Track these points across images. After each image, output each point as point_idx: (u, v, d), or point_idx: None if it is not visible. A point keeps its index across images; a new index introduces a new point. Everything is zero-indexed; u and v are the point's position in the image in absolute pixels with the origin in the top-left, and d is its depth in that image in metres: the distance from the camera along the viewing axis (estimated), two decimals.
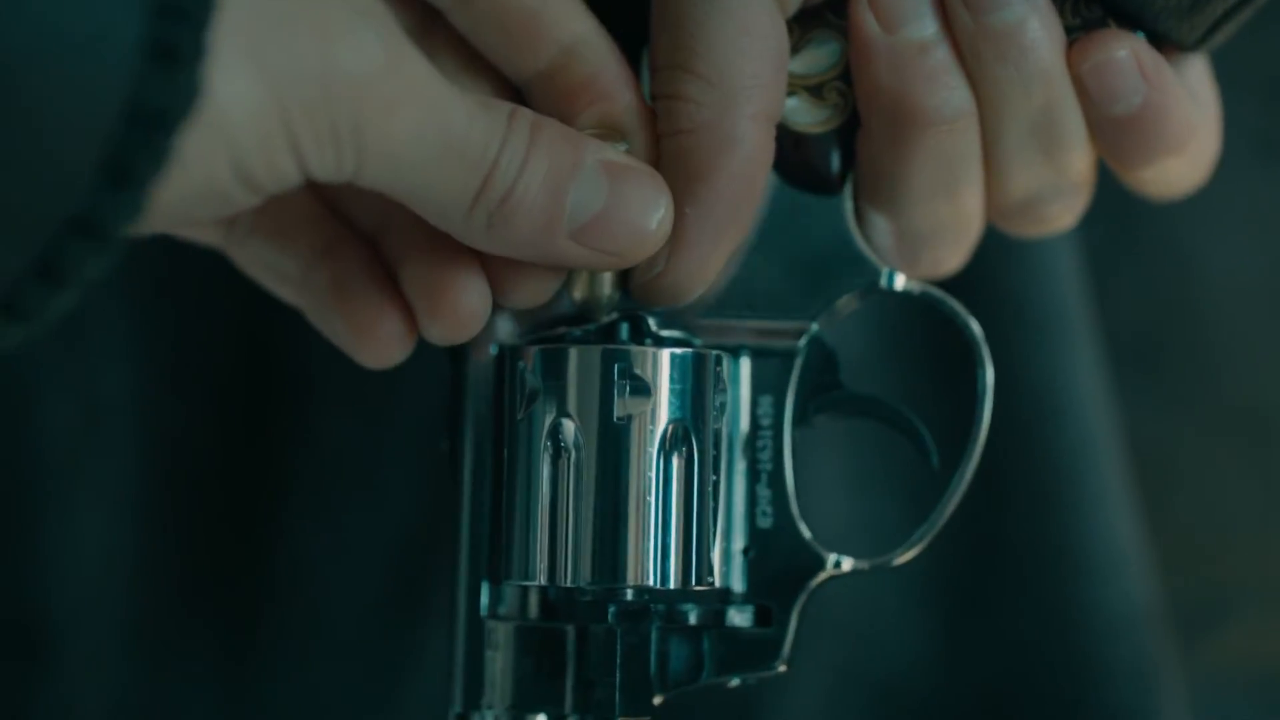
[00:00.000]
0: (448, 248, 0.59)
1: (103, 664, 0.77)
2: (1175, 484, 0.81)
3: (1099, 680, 0.75)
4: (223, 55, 0.50)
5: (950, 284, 0.74)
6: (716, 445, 0.61)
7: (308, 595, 0.76)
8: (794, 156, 0.61)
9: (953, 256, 0.63)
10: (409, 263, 0.60)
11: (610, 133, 0.59)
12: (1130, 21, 0.60)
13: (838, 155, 0.61)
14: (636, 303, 0.60)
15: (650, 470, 0.59)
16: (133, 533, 0.76)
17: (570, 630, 0.60)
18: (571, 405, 0.59)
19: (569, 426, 0.60)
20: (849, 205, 0.62)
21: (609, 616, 0.60)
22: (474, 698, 0.61)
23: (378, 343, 0.61)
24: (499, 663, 0.61)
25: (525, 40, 0.60)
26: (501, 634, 0.61)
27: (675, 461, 0.60)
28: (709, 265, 0.59)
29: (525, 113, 0.56)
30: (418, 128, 0.54)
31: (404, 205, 0.56)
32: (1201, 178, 0.63)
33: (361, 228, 0.62)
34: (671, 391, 0.60)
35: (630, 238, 0.57)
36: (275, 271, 0.63)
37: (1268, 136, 0.80)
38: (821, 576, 0.61)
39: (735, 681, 0.61)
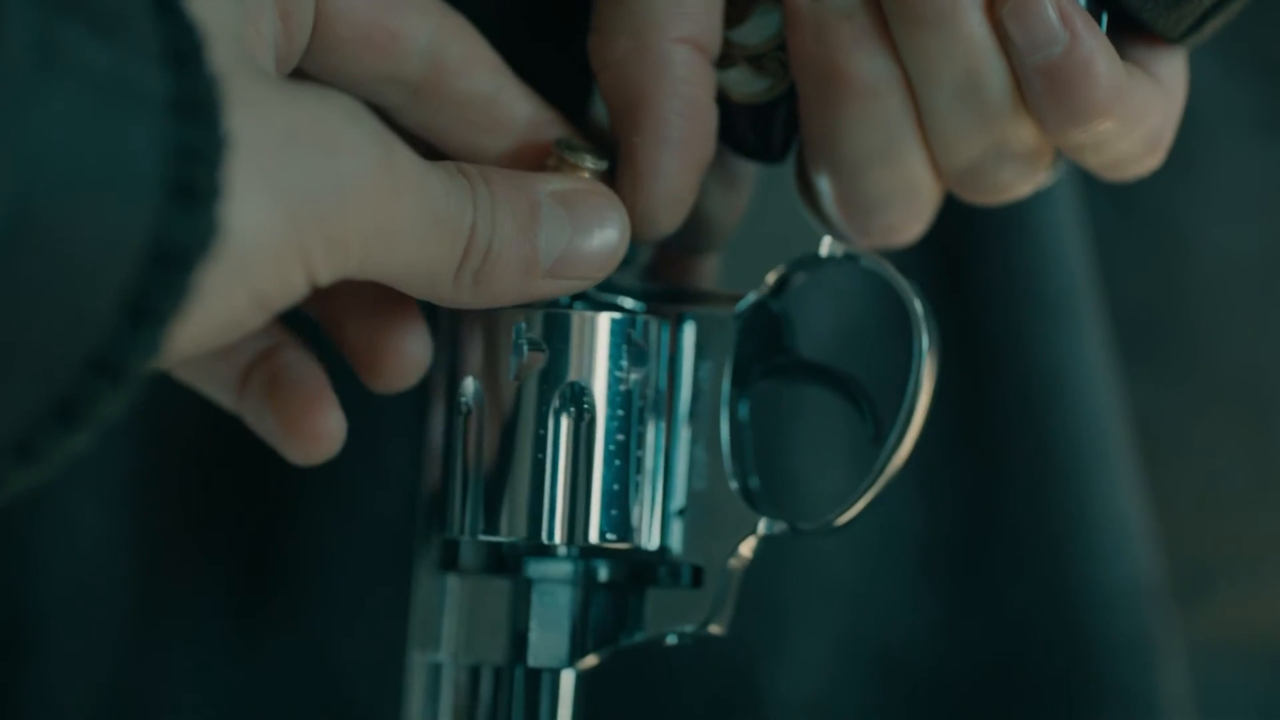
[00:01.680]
0: (388, 301, 0.62)
1: (94, 658, 0.77)
2: (1167, 458, 0.81)
3: (1099, 654, 0.76)
4: (237, 186, 0.50)
5: (956, 264, 0.75)
6: (644, 407, 0.62)
7: (311, 574, 0.76)
8: (738, 126, 0.62)
9: (905, 225, 0.64)
10: (350, 322, 0.63)
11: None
12: (1118, 12, 0.61)
13: (781, 124, 0.63)
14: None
15: (570, 429, 0.61)
16: (126, 521, 0.76)
17: (505, 582, 0.62)
18: (475, 364, 0.62)
19: (469, 384, 0.62)
20: (793, 175, 0.63)
21: (529, 570, 0.62)
22: (428, 644, 0.63)
23: (308, 440, 0.64)
24: (447, 613, 0.63)
25: (487, 125, 0.62)
26: (448, 586, 0.63)
27: (596, 424, 0.61)
28: (672, 191, 0.61)
29: (469, 167, 0.58)
30: (412, 212, 0.55)
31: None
32: (1154, 161, 0.63)
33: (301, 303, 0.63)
34: (596, 354, 0.61)
35: (599, 259, 0.59)
36: (210, 377, 0.64)
37: (1267, 116, 0.80)
38: (750, 539, 0.63)
39: (672, 640, 0.63)
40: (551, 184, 0.59)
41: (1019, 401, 0.75)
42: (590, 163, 0.60)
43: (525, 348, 0.61)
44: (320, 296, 0.61)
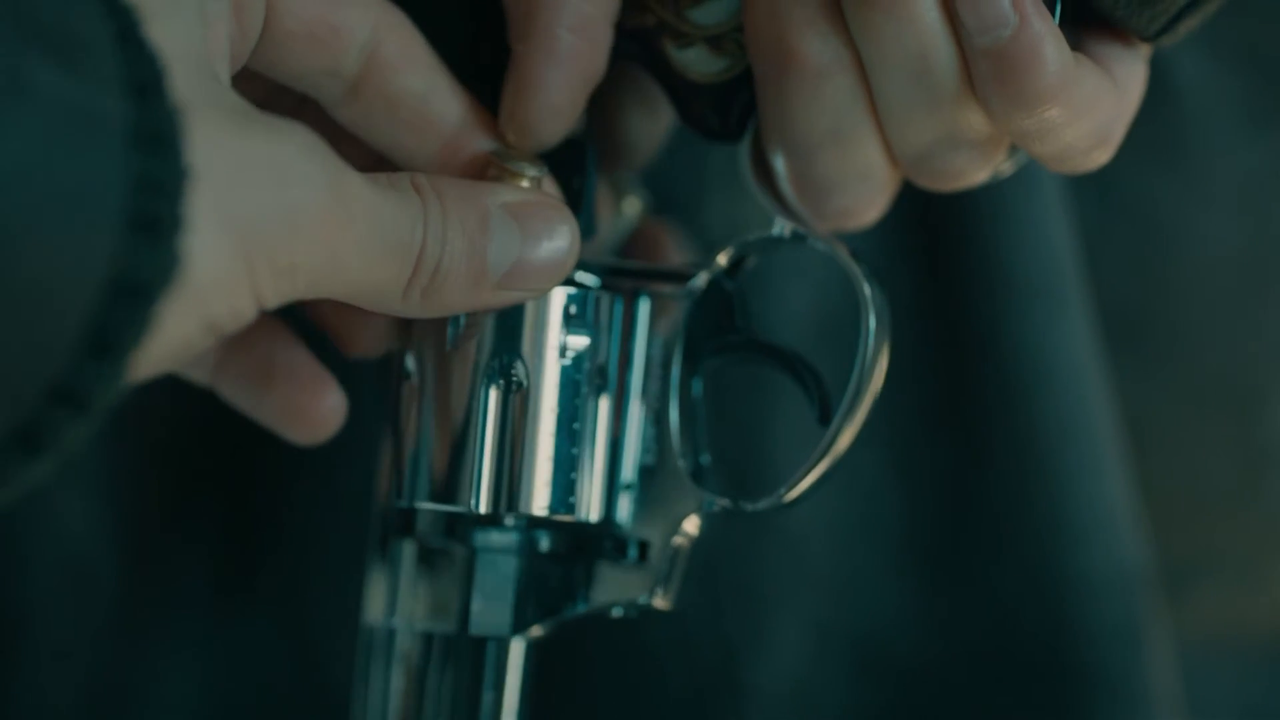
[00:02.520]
0: None
1: (79, 648, 0.77)
2: (1153, 453, 0.81)
3: (1082, 641, 0.76)
4: (193, 218, 0.51)
5: (940, 249, 0.75)
6: (595, 382, 0.62)
7: (292, 559, 0.76)
8: (696, 105, 0.63)
9: (860, 208, 0.64)
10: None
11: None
12: (1089, 11, 0.61)
13: (738, 105, 0.63)
14: None
15: (518, 403, 0.62)
16: (110, 513, 0.77)
17: (448, 550, 0.63)
18: (418, 333, 0.62)
19: (409, 357, 0.63)
20: (747, 155, 0.63)
21: (474, 539, 0.62)
22: (382, 609, 0.64)
23: (314, 423, 0.65)
24: (399, 578, 0.63)
25: (418, 124, 0.62)
26: (400, 552, 0.64)
27: (589, 401, 0.62)
28: (551, 103, 0.61)
29: (422, 179, 0.58)
30: (363, 238, 0.56)
31: None
32: (1103, 155, 0.63)
33: None
34: (550, 327, 0.62)
35: (549, 271, 0.60)
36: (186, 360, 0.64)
37: (1254, 109, 0.80)
38: (694, 515, 0.63)
39: (618, 612, 0.64)
40: (502, 195, 0.59)
41: (1000, 387, 0.75)
42: (530, 171, 0.61)
43: (462, 319, 0.62)
44: None
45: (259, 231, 0.53)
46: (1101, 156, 0.63)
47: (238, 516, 0.77)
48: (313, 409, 0.66)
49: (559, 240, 0.59)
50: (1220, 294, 0.82)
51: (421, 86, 0.62)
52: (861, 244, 0.68)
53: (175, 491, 0.76)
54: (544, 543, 0.63)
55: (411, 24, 0.63)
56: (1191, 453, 0.84)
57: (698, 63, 0.63)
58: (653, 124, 0.66)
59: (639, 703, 0.76)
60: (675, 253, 0.68)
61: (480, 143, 0.62)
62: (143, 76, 0.51)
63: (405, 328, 0.63)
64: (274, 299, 0.55)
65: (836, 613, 0.76)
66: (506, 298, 0.59)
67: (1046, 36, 0.59)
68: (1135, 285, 0.81)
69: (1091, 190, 0.79)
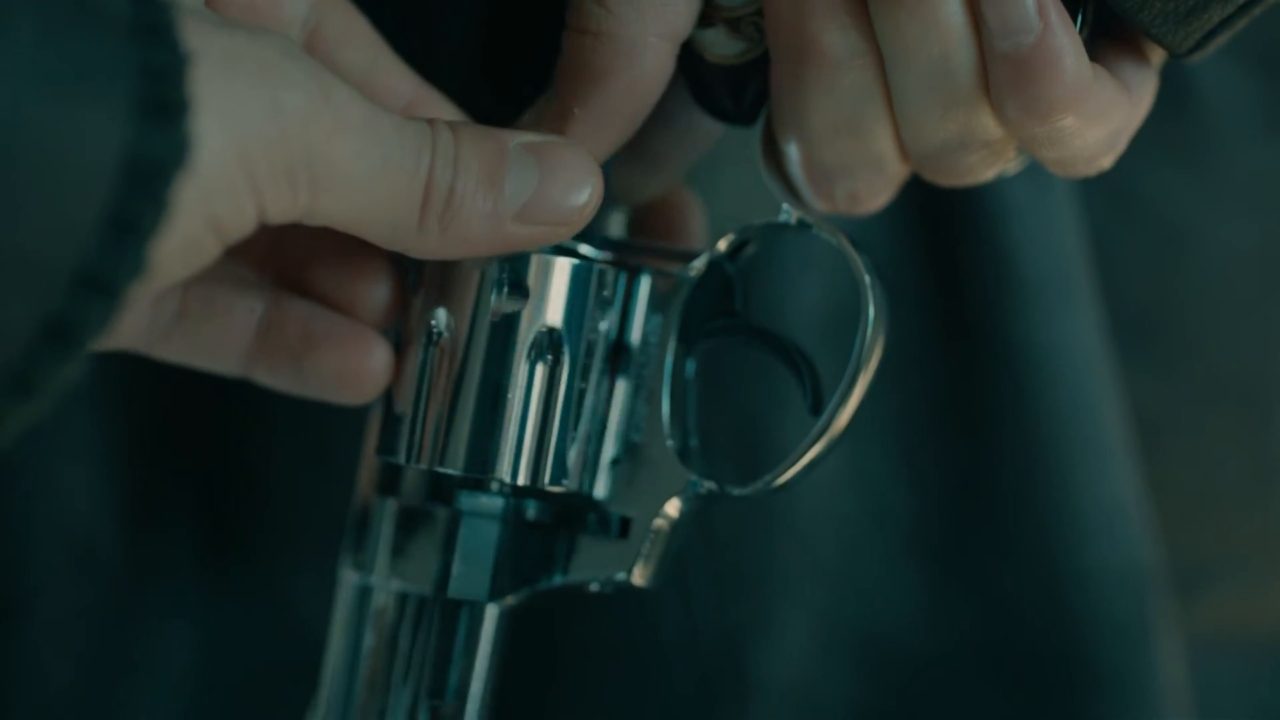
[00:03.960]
0: (356, 252, 0.63)
1: (79, 624, 0.77)
2: (1163, 451, 0.81)
3: (1087, 638, 0.76)
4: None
5: (948, 245, 0.75)
6: (590, 355, 0.63)
7: (287, 533, 0.76)
8: (710, 86, 0.63)
9: (869, 195, 0.64)
10: (319, 277, 0.64)
11: None
12: (1124, 23, 0.61)
13: (753, 88, 0.63)
14: None
15: (516, 370, 0.62)
16: (112, 488, 0.77)
17: (431, 512, 0.63)
18: (450, 296, 0.62)
19: (442, 315, 0.62)
20: (759, 139, 0.63)
21: (458, 501, 0.62)
22: (359, 564, 0.64)
23: (366, 379, 0.64)
24: (378, 535, 0.64)
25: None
26: (382, 509, 0.64)
27: (539, 367, 0.62)
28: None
29: (440, 120, 0.59)
30: (357, 149, 0.56)
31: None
32: (1107, 162, 0.63)
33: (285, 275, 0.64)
34: (550, 298, 0.62)
35: (569, 207, 0.59)
36: (219, 347, 0.64)
37: (1270, 111, 0.80)
38: (679, 498, 0.63)
39: (595, 586, 0.64)
40: (522, 136, 0.59)
41: (1007, 383, 0.75)
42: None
43: (506, 290, 0.62)
44: (287, 257, 0.63)
45: (248, 126, 0.53)
46: (1105, 163, 0.63)
47: (235, 493, 0.77)
48: (364, 367, 0.65)
49: (580, 179, 0.59)
50: (1235, 295, 0.82)
51: (365, 61, 0.63)
52: (870, 239, 0.68)
53: (174, 468, 0.76)
54: (526, 511, 0.63)
55: (351, 3, 0.63)
56: (1204, 453, 0.84)
57: (716, 43, 0.63)
58: (688, 154, 0.66)
59: (646, 693, 0.76)
60: (691, 227, 0.68)
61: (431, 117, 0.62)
62: None
63: (425, 287, 0.63)
64: (275, 208, 0.55)
65: (843, 606, 0.77)
66: (527, 234, 0.59)
67: (1068, 46, 0.59)
68: (1150, 286, 0.81)
69: (1107, 191, 0.79)
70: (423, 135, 0.58)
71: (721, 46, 0.62)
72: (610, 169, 0.63)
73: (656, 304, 0.64)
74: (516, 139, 0.59)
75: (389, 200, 0.57)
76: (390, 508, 0.63)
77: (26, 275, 0.50)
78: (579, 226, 0.60)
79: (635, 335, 0.64)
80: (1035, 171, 0.68)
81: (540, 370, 0.62)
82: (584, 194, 0.60)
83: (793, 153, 0.63)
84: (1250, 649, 0.87)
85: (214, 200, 0.53)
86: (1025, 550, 0.76)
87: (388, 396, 0.64)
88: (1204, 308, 0.82)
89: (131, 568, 0.77)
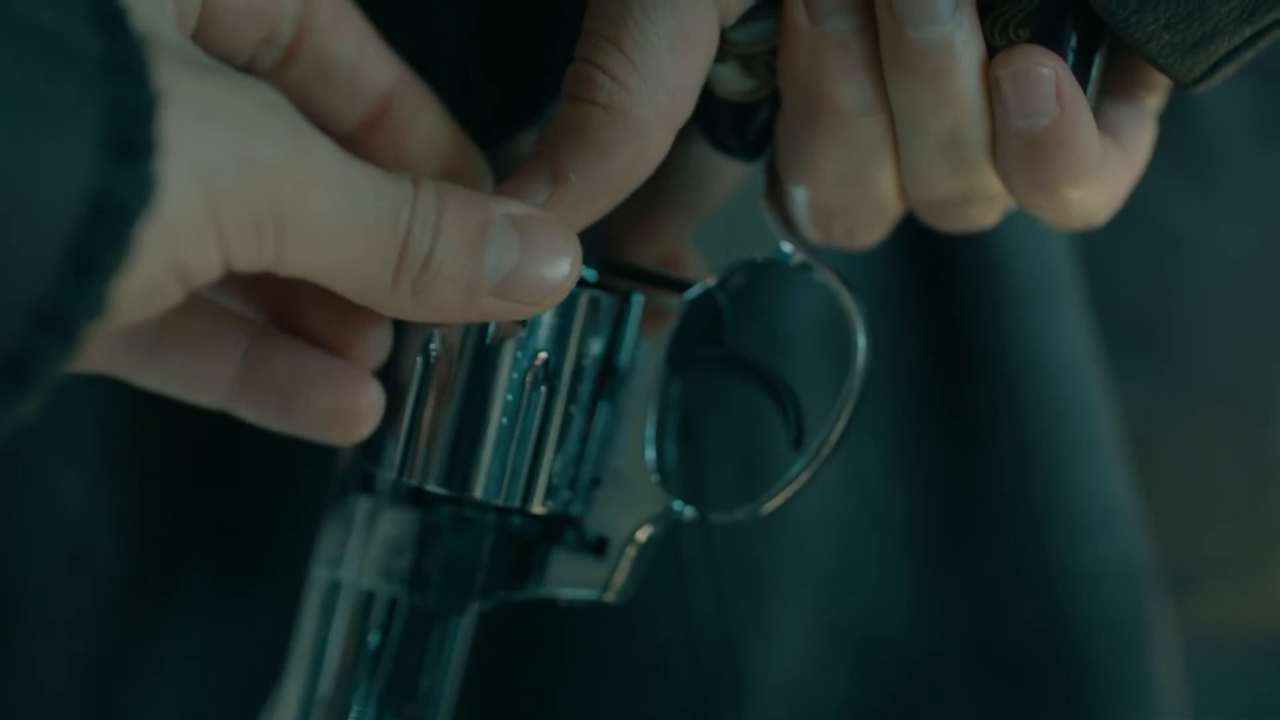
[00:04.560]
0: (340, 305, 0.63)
1: (76, 630, 0.77)
2: (1159, 454, 0.81)
3: (1080, 638, 0.76)
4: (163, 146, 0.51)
5: (937, 250, 0.75)
6: (579, 378, 0.63)
7: (291, 541, 0.76)
8: (718, 120, 0.63)
9: (867, 232, 0.65)
10: (309, 315, 0.64)
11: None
12: (1130, 56, 0.62)
13: (758, 126, 0.63)
14: None
15: (505, 391, 0.62)
16: (109, 492, 0.77)
17: (416, 519, 0.63)
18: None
19: (438, 334, 0.63)
20: (762, 176, 0.64)
21: (443, 517, 0.63)
22: (332, 561, 0.64)
23: (356, 419, 0.63)
24: (358, 536, 0.64)
25: (351, 89, 0.62)
26: (364, 511, 0.64)
27: (528, 388, 0.62)
28: (573, 225, 0.60)
29: (427, 180, 0.58)
30: (330, 205, 0.55)
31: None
32: (1104, 218, 0.64)
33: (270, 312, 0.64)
34: (543, 321, 0.62)
35: (547, 287, 0.59)
36: (199, 379, 0.64)
37: (1268, 120, 0.80)
38: (656, 522, 0.64)
39: (564, 601, 0.64)
40: (510, 206, 0.59)
41: (998, 386, 0.76)
42: None
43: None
44: (277, 290, 0.63)
45: (216, 172, 0.52)
46: (1097, 222, 0.64)
47: (234, 494, 0.77)
48: (355, 408, 0.64)
49: (561, 260, 0.59)
50: (1231, 301, 0.82)
51: (353, 51, 0.62)
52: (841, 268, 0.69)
53: (172, 471, 0.76)
54: (505, 525, 0.63)
55: None
56: (1199, 457, 0.84)
57: (727, 79, 0.63)
58: (700, 210, 0.66)
59: (644, 694, 0.77)
60: (686, 255, 0.68)
61: (412, 107, 0.63)
62: (107, 11, 0.51)
63: None
64: (242, 257, 0.54)
65: (839, 607, 0.77)
66: (500, 308, 0.59)
67: (1082, 127, 0.59)
68: (1147, 291, 0.81)
69: None
70: (403, 194, 0.57)
71: (732, 83, 0.62)
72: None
73: (646, 330, 0.64)
74: (502, 209, 0.58)
75: (362, 257, 0.56)
76: (369, 508, 0.64)
77: None
78: (553, 304, 0.60)
79: (624, 359, 0.64)
80: None
81: (528, 391, 0.62)
82: (562, 272, 0.59)
83: (795, 191, 0.63)
84: (1245, 649, 0.88)
85: (178, 245, 0.52)
86: (1019, 551, 0.77)
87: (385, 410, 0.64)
88: (1200, 313, 0.82)
89: (129, 574, 0.77)
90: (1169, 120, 0.67)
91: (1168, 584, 0.80)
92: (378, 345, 0.64)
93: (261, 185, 0.53)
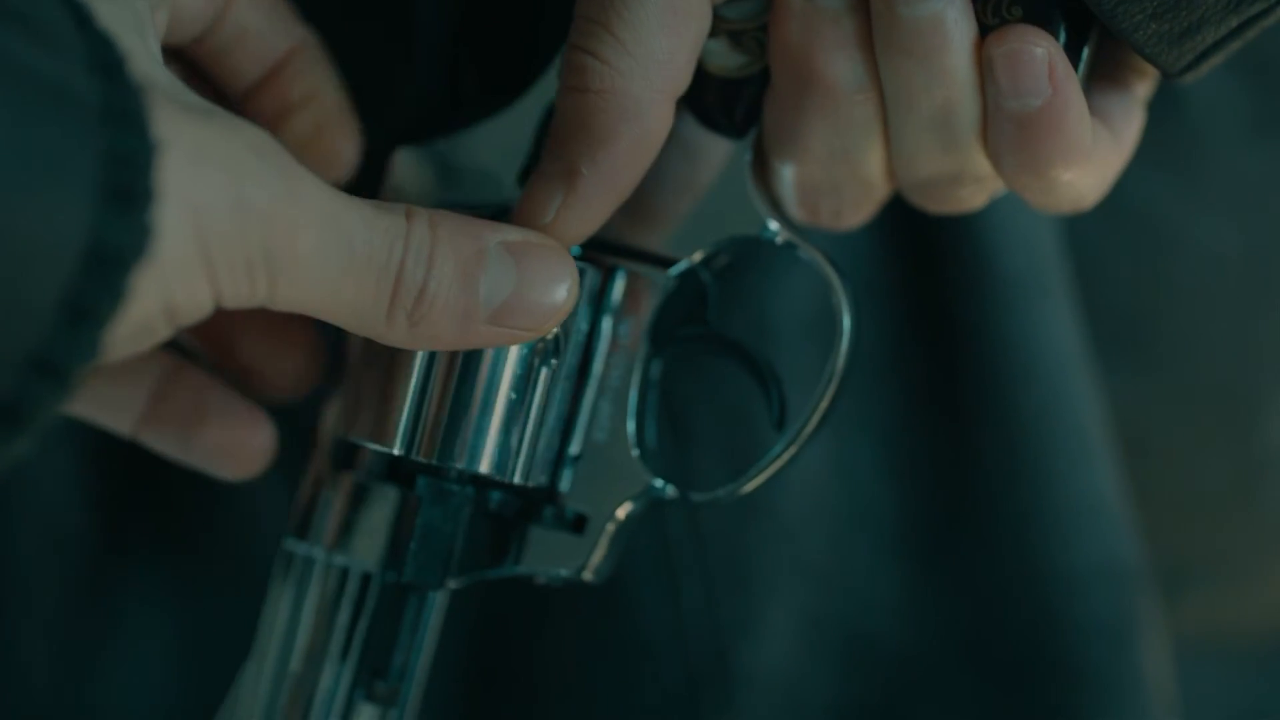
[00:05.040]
0: (282, 321, 0.65)
1: (56, 612, 0.77)
2: (1146, 453, 0.81)
3: (1068, 637, 0.76)
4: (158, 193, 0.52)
5: (924, 242, 0.75)
6: (561, 352, 0.63)
7: (269, 515, 0.76)
8: (706, 96, 0.63)
9: (854, 212, 0.65)
10: (243, 343, 0.66)
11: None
12: (1117, 46, 0.61)
13: (747, 102, 0.63)
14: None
15: (488, 363, 0.62)
16: (87, 472, 0.77)
17: (393, 493, 0.63)
18: None
19: None
20: (749, 153, 0.63)
21: (421, 490, 0.62)
22: (304, 532, 0.64)
23: (250, 459, 0.66)
24: (334, 508, 0.64)
25: (256, 55, 0.64)
26: (338, 485, 0.64)
27: (511, 361, 0.62)
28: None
29: (420, 210, 0.58)
30: (320, 244, 0.56)
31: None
32: (1092, 201, 0.64)
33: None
34: None
35: (544, 311, 0.59)
36: (113, 407, 0.65)
37: (1256, 116, 0.80)
38: (637, 500, 0.64)
39: (542, 579, 0.64)
40: (505, 233, 0.59)
41: (985, 380, 0.76)
42: None
43: None
44: (214, 326, 0.64)
45: (211, 219, 0.53)
46: (1089, 204, 0.64)
47: (209, 477, 0.77)
48: (248, 446, 0.67)
49: (557, 284, 0.59)
50: (1219, 299, 0.82)
51: (265, 16, 0.64)
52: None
53: (150, 455, 0.77)
54: (484, 501, 0.63)
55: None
56: (1187, 456, 0.84)
57: (716, 55, 0.63)
58: (693, 189, 0.66)
59: (632, 691, 0.76)
60: (670, 232, 0.68)
61: (304, 73, 0.65)
62: (107, 58, 0.52)
63: None
64: (233, 296, 0.55)
65: (827, 603, 0.77)
66: (497, 335, 0.59)
67: (1074, 109, 0.59)
68: (1134, 289, 0.81)
69: None
70: (396, 229, 0.57)
71: (722, 58, 0.62)
72: None
73: (630, 306, 0.64)
74: (497, 238, 0.59)
75: (355, 292, 0.57)
76: (345, 483, 0.64)
77: None
78: (552, 328, 0.60)
79: (606, 335, 0.64)
80: None
81: (512, 364, 0.62)
82: (559, 297, 0.59)
83: (783, 170, 0.63)
84: (1232, 650, 0.88)
85: (171, 288, 0.53)
86: (1006, 547, 0.76)
87: (357, 379, 0.64)
88: (1188, 311, 0.82)
89: (108, 554, 0.77)
90: (1157, 116, 0.67)
91: (1156, 584, 0.79)
92: (307, 376, 0.67)
93: (252, 227, 0.54)
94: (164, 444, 0.66)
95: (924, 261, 0.75)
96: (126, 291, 0.51)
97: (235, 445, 0.67)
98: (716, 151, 0.64)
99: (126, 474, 0.77)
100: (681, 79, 0.60)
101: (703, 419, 0.75)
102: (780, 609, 0.76)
